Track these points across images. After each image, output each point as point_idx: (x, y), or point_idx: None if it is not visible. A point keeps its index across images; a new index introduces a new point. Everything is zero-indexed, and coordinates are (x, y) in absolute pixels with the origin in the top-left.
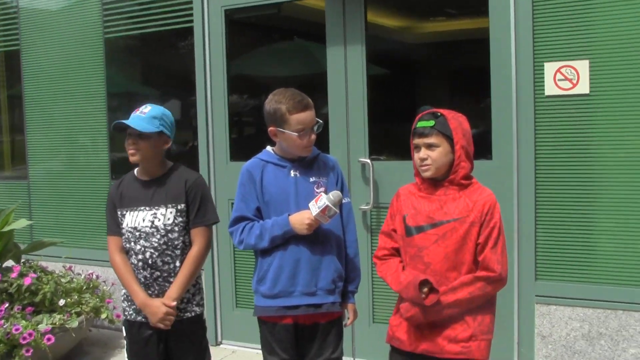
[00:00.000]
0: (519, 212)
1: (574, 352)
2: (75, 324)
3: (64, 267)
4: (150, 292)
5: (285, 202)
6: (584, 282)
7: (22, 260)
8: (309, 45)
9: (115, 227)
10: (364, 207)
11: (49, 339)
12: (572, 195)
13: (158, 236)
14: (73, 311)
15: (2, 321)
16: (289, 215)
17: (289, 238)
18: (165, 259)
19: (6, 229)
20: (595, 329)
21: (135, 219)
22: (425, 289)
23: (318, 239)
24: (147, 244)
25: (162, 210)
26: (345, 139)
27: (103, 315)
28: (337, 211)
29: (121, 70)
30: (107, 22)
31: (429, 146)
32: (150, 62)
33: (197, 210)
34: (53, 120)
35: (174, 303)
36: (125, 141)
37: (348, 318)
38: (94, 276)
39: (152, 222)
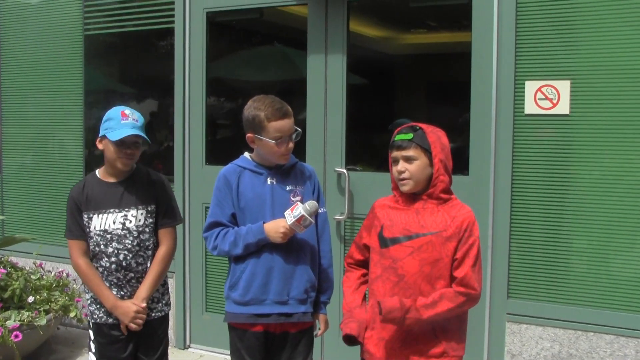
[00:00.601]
0: (494, 229)
1: None
2: (43, 321)
3: (34, 263)
4: (123, 293)
5: (260, 209)
6: (556, 302)
7: None
8: (290, 51)
9: (79, 231)
10: (338, 217)
11: (16, 336)
12: (547, 215)
13: (131, 238)
14: (42, 309)
15: None
16: (264, 223)
17: (263, 246)
18: (139, 260)
19: None
20: (565, 350)
21: (105, 221)
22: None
23: (292, 248)
24: (120, 246)
25: (133, 211)
26: (322, 147)
27: (72, 314)
28: (313, 221)
29: (100, 67)
30: (88, 19)
31: (407, 159)
32: (130, 61)
33: (165, 211)
34: (29, 115)
35: (144, 304)
36: (121, 150)
37: (319, 328)
38: (64, 274)
39: (124, 224)
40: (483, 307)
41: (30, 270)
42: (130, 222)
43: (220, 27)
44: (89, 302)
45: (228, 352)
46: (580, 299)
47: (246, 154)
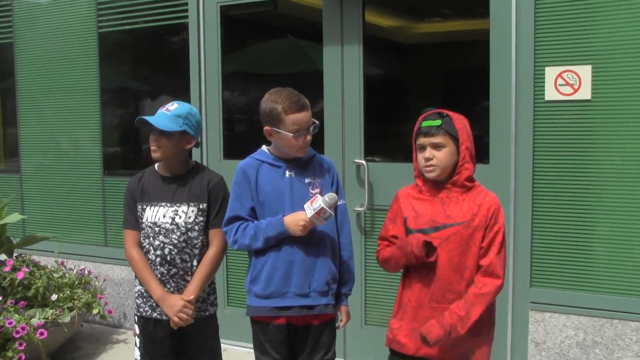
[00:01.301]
0: (516, 217)
1: (568, 359)
2: (67, 318)
3: (56, 262)
4: (166, 288)
5: (280, 202)
6: (579, 290)
7: (15, 255)
8: (305, 43)
9: (133, 221)
10: (358, 208)
11: (41, 334)
12: (569, 202)
13: (178, 233)
14: (65, 306)
15: None
16: (283, 216)
17: (283, 239)
18: (184, 257)
19: None
20: (590, 338)
21: (156, 214)
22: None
23: (312, 240)
24: (166, 240)
25: (184, 207)
26: (340, 139)
27: (95, 311)
28: (332, 213)
29: (115, 65)
30: (101, 16)
31: (435, 146)
32: (144, 57)
33: (218, 211)
34: (46, 114)
35: (192, 297)
36: (150, 139)
37: (341, 320)
38: (86, 271)
39: (173, 218)
40: (506, 296)
41: (52, 268)
42: (180, 217)
43: (234, 21)
44: (136, 295)
45: (251, 345)
46: (604, 286)
47: (264, 147)
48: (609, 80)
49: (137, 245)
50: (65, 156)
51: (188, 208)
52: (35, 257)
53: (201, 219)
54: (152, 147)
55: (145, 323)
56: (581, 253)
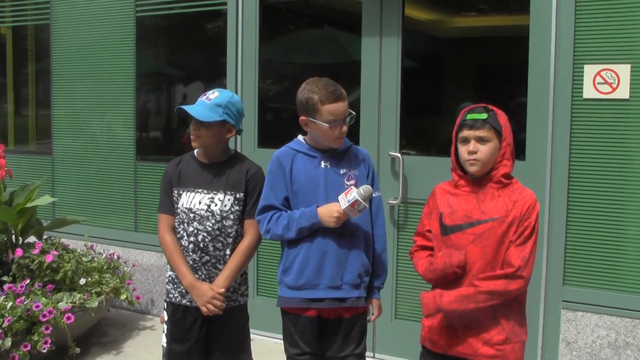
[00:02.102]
0: (550, 215)
1: None
2: (95, 304)
3: (85, 245)
4: (197, 275)
5: (314, 193)
6: (612, 290)
7: (44, 237)
8: (342, 34)
9: (169, 205)
10: (392, 201)
11: (68, 318)
12: (604, 201)
13: (213, 221)
14: (93, 291)
15: (23, 297)
16: (317, 207)
17: (317, 230)
18: (217, 245)
19: (30, 204)
20: (622, 338)
21: (192, 200)
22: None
23: (346, 232)
24: (200, 227)
25: (220, 195)
26: (376, 131)
27: (123, 296)
28: (367, 206)
29: (151, 50)
30: (140, 0)
31: (480, 139)
32: (181, 43)
33: (255, 201)
34: (80, 97)
35: (222, 290)
36: (190, 125)
37: (372, 314)
38: (115, 256)
39: (209, 206)
40: (538, 294)
41: (81, 252)
42: (216, 205)
43: (272, 9)
44: (166, 280)
45: (279, 336)
46: (638, 287)
47: (300, 137)
48: None
49: (171, 229)
50: (98, 140)
51: (224, 196)
52: (65, 240)
53: (237, 208)
54: (192, 137)
55: (175, 310)
56: (615, 252)
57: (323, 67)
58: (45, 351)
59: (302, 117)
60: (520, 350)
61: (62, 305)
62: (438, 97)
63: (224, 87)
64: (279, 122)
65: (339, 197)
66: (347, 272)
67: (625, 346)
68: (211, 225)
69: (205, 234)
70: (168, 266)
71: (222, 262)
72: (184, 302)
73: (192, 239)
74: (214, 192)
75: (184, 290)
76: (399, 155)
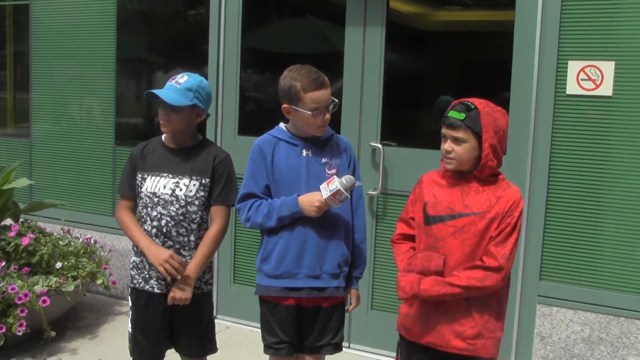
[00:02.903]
0: (529, 210)
1: (573, 355)
2: (71, 287)
3: (62, 229)
4: None
5: (295, 181)
6: (588, 286)
7: (21, 220)
8: (327, 24)
9: (125, 189)
10: (371, 192)
11: (44, 301)
12: (583, 198)
13: (177, 206)
14: (69, 275)
15: None
16: (298, 196)
17: (297, 219)
18: (180, 230)
19: (6, 187)
20: (596, 334)
21: (156, 184)
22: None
23: (326, 222)
24: (164, 212)
25: (186, 180)
26: (357, 121)
27: (99, 281)
28: (349, 196)
29: (132, 34)
30: None
31: (455, 140)
32: (163, 28)
33: (222, 188)
34: (60, 80)
35: (191, 274)
36: (159, 109)
37: (350, 303)
38: (92, 241)
39: (173, 190)
40: (514, 288)
41: (58, 236)
42: (181, 190)
43: None
44: (131, 266)
45: (255, 324)
46: (613, 284)
47: (282, 125)
48: (632, 77)
49: (129, 210)
50: (78, 123)
51: (190, 181)
52: (41, 224)
53: (202, 194)
54: (162, 121)
55: (138, 296)
56: (591, 249)
57: (306, 56)
58: (20, 334)
59: (284, 105)
60: (493, 346)
61: (38, 288)
62: (421, 90)
63: (206, 74)
64: (260, 110)
65: (320, 187)
66: (327, 261)
67: (598, 342)
68: (175, 210)
69: (168, 219)
70: (132, 252)
71: (186, 248)
72: (147, 287)
73: (155, 223)
74: (180, 176)
75: (147, 275)
76: (379, 146)
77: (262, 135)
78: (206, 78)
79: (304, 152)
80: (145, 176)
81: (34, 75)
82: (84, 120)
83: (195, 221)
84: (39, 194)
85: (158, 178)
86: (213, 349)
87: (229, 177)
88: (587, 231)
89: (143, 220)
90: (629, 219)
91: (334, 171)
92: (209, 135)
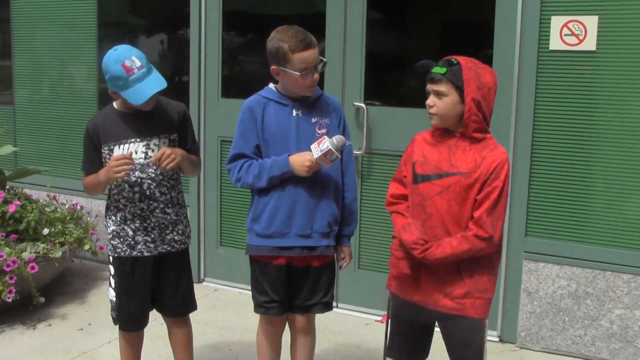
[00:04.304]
0: (514, 165)
1: (559, 309)
2: (58, 254)
3: (48, 196)
4: (146, 224)
5: (285, 141)
6: (574, 242)
7: (7, 188)
8: None
9: (86, 165)
10: (356, 152)
11: (32, 268)
12: (569, 153)
13: (154, 167)
14: (57, 241)
15: None
16: (289, 155)
17: (288, 179)
18: (162, 190)
19: None
20: (582, 288)
21: (127, 151)
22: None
23: (316, 182)
24: (143, 175)
25: (155, 140)
26: (340, 82)
27: (86, 247)
28: (339, 156)
29: None
30: None
31: (437, 94)
32: None
33: (190, 139)
34: (41, 46)
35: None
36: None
37: (344, 259)
38: (78, 207)
39: (146, 153)
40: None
41: (44, 202)
42: (153, 150)
43: None
44: (110, 236)
45: (242, 286)
46: (599, 239)
47: (271, 85)
48: (615, 31)
49: None
50: (61, 90)
51: (159, 140)
52: (27, 191)
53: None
54: (148, 110)
55: (122, 264)
56: (577, 205)
57: (288, 18)
58: (10, 300)
59: (272, 67)
60: (482, 306)
61: (26, 255)
62: (404, 49)
63: (188, 37)
64: (242, 72)
65: (311, 147)
66: (317, 221)
67: (585, 296)
68: (153, 171)
69: (149, 181)
70: (109, 221)
71: (169, 205)
72: (135, 253)
73: (136, 188)
74: (148, 138)
75: (132, 242)
76: (363, 105)
77: (252, 96)
78: (188, 41)
79: (294, 112)
80: (112, 147)
81: (15, 41)
82: (67, 86)
83: (173, 177)
84: (23, 161)
85: (127, 145)
86: (194, 306)
87: (191, 126)
88: (572, 186)
89: (121, 188)
90: (613, 173)
91: (324, 131)
92: (192, 99)
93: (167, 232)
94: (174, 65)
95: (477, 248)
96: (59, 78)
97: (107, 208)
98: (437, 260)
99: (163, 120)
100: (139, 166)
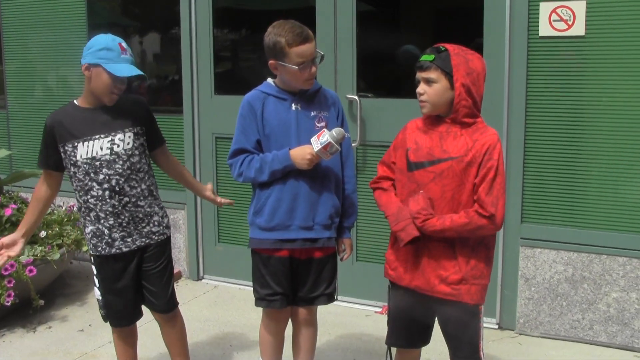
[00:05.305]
0: (508, 153)
1: (557, 294)
2: (56, 256)
3: None
4: (120, 220)
5: (285, 135)
6: (569, 226)
7: (3, 191)
8: None
9: (41, 162)
10: None
11: (30, 271)
12: (562, 138)
13: (120, 162)
14: (54, 243)
15: None
16: (289, 149)
17: (289, 172)
18: (132, 184)
19: None
20: (579, 273)
21: (92, 149)
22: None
23: (317, 174)
24: (110, 172)
25: (120, 135)
26: (333, 75)
27: (84, 248)
28: (339, 148)
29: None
30: None
31: (427, 81)
32: None
33: (156, 130)
34: (33, 49)
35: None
36: (115, 85)
37: (344, 251)
38: (75, 209)
39: (111, 149)
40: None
41: None
42: (118, 146)
43: None
44: (88, 236)
45: (242, 282)
46: (594, 223)
47: (269, 80)
48: (603, 16)
49: (43, 183)
50: (54, 92)
51: (124, 135)
52: (23, 194)
53: (139, 142)
54: (117, 96)
55: (103, 262)
56: (572, 189)
57: (278, 13)
58: (9, 304)
59: (270, 61)
60: (477, 292)
61: (24, 258)
62: (395, 40)
63: (179, 37)
64: (235, 69)
65: (311, 140)
66: (319, 213)
67: (582, 280)
68: (120, 166)
69: (117, 177)
70: (86, 223)
71: (141, 198)
72: (114, 251)
73: (105, 185)
74: (112, 133)
75: (110, 240)
76: (356, 98)
77: (251, 91)
78: (179, 39)
79: (293, 106)
80: (76, 144)
81: (5, 45)
82: (59, 88)
83: (142, 170)
84: (18, 165)
85: (91, 142)
86: (176, 301)
87: (154, 117)
88: (567, 171)
89: (89, 187)
90: (608, 157)
91: (323, 124)
92: (185, 97)
93: (143, 225)
94: (166, 64)
95: (477, 224)
96: (51, 80)
97: (79, 209)
98: (436, 231)
99: (127, 114)
100: (106, 163)
